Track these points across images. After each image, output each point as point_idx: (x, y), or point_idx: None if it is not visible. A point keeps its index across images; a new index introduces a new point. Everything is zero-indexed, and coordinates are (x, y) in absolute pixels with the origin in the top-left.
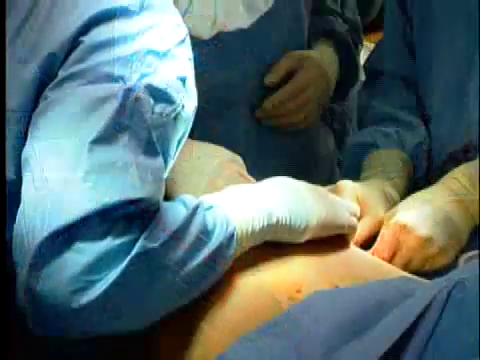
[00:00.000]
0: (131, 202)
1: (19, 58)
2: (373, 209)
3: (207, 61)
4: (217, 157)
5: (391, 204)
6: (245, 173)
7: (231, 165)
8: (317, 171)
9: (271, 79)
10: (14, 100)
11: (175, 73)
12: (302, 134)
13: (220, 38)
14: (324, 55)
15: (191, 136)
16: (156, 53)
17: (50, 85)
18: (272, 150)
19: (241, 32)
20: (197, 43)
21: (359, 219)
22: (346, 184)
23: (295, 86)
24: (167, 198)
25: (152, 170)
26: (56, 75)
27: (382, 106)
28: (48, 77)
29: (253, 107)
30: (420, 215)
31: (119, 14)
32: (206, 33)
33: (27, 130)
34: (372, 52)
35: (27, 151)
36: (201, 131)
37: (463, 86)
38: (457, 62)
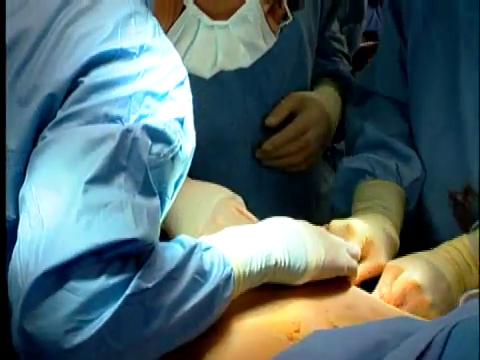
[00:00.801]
0: (125, 242)
1: (19, 100)
2: (378, 253)
3: (208, 100)
4: (217, 195)
5: (393, 249)
6: (245, 211)
7: (231, 203)
8: (318, 209)
9: (272, 120)
10: (14, 141)
11: (173, 114)
12: (303, 173)
13: (221, 77)
14: (327, 96)
15: (191, 175)
16: (155, 95)
17: (49, 125)
18: (273, 189)
19: (243, 72)
20: (198, 82)
21: (361, 260)
22: (356, 226)
23: (296, 128)
24: (166, 236)
25: (148, 210)
26: (55, 116)
27: (376, 132)
28: (47, 118)
29: (254, 147)
30: (430, 280)
31: (119, 56)
32: (207, 72)
33: (25, 171)
34: (364, 71)
35: (24, 190)
36: (202, 170)
37: (457, 118)
38: (451, 89)
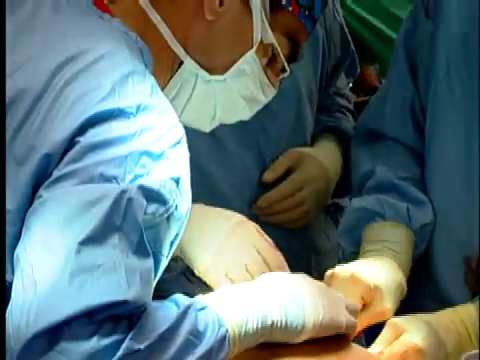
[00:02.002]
0: (117, 304)
1: (16, 160)
2: (383, 299)
3: (206, 157)
4: (233, 217)
5: (400, 294)
6: (262, 231)
7: (248, 223)
8: (318, 267)
9: (269, 176)
10: (11, 201)
11: (169, 174)
12: (302, 229)
13: (219, 134)
14: (326, 152)
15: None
16: (151, 154)
17: (44, 184)
18: None
19: (241, 128)
20: (196, 138)
21: (366, 306)
22: (361, 274)
23: (292, 184)
24: (179, 257)
25: (141, 271)
26: (51, 175)
27: (387, 174)
28: (43, 178)
29: (251, 203)
30: (432, 346)
31: (116, 115)
32: (207, 126)
33: (19, 229)
34: (368, 109)
35: (19, 250)
36: None
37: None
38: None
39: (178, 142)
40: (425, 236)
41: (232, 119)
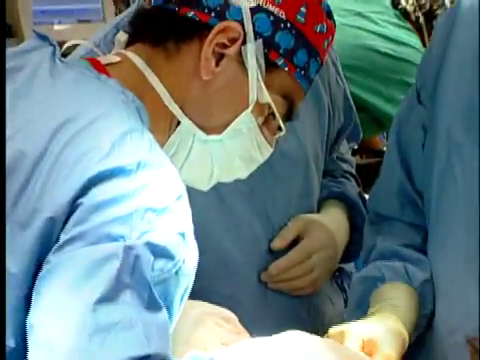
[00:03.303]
0: (139, 359)
1: (19, 223)
2: (381, 347)
3: (214, 223)
4: (195, 310)
5: (400, 343)
6: (225, 324)
7: (209, 317)
8: (323, 334)
9: (278, 244)
10: (15, 264)
11: (174, 229)
12: (309, 296)
13: (227, 201)
14: (333, 218)
15: (194, 297)
16: (154, 210)
17: (52, 249)
18: (278, 312)
19: (251, 193)
20: (203, 205)
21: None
22: (352, 330)
23: (301, 252)
24: None
25: (157, 326)
26: (56, 239)
27: (386, 243)
28: (47, 242)
29: (260, 270)
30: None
31: (116, 174)
32: (204, 185)
33: (27, 295)
34: (372, 193)
35: (31, 318)
36: (206, 293)
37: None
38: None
39: (180, 196)
40: (428, 293)
41: (229, 178)
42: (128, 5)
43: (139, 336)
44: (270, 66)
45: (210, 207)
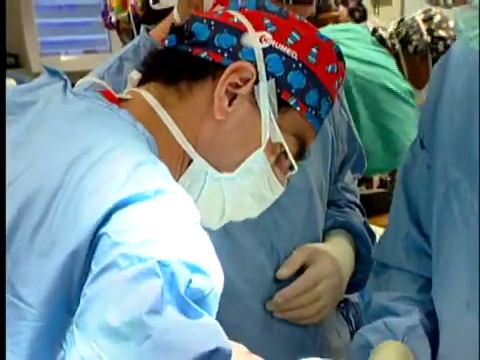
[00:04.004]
0: (211, 352)
1: (39, 252)
2: None
3: (219, 254)
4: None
5: None
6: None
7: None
8: None
9: (284, 273)
10: (33, 295)
11: (203, 247)
12: (314, 326)
13: (232, 231)
14: (338, 248)
15: None
16: (179, 231)
17: (87, 282)
18: (284, 342)
19: (254, 225)
20: (209, 232)
21: None
22: None
23: (307, 281)
24: None
25: (209, 325)
26: (81, 270)
27: (379, 301)
28: (70, 274)
29: (265, 300)
30: None
31: (135, 200)
32: (215, 224)
33: (46, 327)
34: (378, 244)
35: (83, 351)
36: None
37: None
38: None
39: (198, 222)
40: (416, 337)
41: (240, 217)
42: (132, 37)
43: (200, 335)
44: (282, 106)
45: (214, 236)
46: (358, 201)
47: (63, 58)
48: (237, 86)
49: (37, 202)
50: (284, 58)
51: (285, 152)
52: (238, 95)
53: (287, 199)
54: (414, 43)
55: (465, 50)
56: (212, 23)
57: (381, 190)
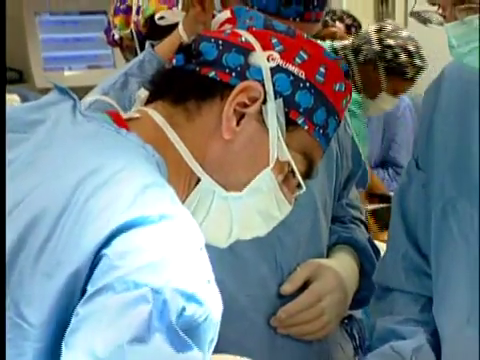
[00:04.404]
0: None
1: (44, 272)
2: None
3: (222, 269)
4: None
5: None
6: None
7: None
8: None
9: (288, 288)
10: (34, 315)
11: (201, 276)
12: (318, 342)
13: (235, 247)
14: (342, 263)
15: None
16: (179, 258)
17: (81, 301)
18: (287, 358)
19: (257, 241)
20: (211, 251)
21: None
22: None
23: (311, 296)
24: None
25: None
26: (81, 291)
27: (384, 323)
28: (71, 294)
29: (269, 315)
30: None
31: (139, 224)
32: (223, 242)
33: (46, 347)
34: (378, 268)
35: None
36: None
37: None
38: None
39: (202, 247)
40: (425, 355)
41: (248, 235)
42: (136, 54)
43: None
44: (290, 125)
45: (218, 251)
46: (363, 217)
47: (67, 73)
48: (245, 105)
49: (43, 222)
50: (292, 77)
51: (293, 171)
52: (246, 114)
53: (291, 215)
54: (364, 52)
55: (458, 69)
56: (220, 42)
57: (385, 205)
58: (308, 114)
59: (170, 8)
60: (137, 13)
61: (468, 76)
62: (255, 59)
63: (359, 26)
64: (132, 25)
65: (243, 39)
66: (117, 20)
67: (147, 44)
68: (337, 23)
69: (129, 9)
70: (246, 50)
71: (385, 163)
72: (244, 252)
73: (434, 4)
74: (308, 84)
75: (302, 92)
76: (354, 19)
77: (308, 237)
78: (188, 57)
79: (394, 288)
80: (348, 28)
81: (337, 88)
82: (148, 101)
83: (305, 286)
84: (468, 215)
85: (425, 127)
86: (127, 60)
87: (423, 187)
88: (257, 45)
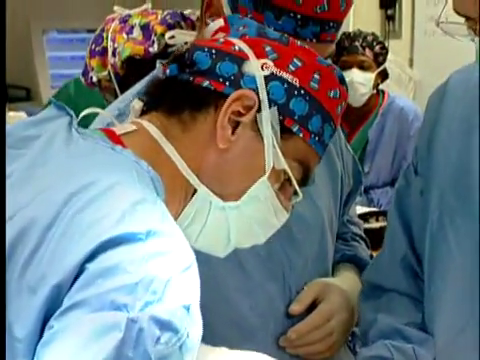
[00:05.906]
0: None
1: (29, 288)
2: None
3: (230, 287)
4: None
5: None
6: None
7: None
8: None
9: (296, 309)
10: (22, 330)
11: (180, 301)
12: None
13: (244, 264)
14: (348, 282)
15: None
16: (161, 281)
17: (55, 314)
18: None
19: (268, 258)
20: (219, 268)
21: None
22: None
23: (320, 316)
24: None
25: None
26: (62, 303)
27: (388, 321)
28: (54, 307)
29: (277, 335)
30: None
31: (126, 240)
32: (221, 252)
33: None
34: (372, 266)
35: None
36: None
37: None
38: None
39: (188, 267)
40: None
41: (247, 244)
42: (116, 95)
43: None
44: (285, 133)
45: (228, 271)
46: (363, 234)
47: None
48: (240, 114)
49: (30, 234)
50: (286, 85)
51: (289, 179)
52: (241, 123)
53: (299, 233)
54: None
55: (466, 81)
56: (213, 51)
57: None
58: (303, 121)
59: (146, 49)
60: (113, 55)
61: (474, 91)
62: (249, 67)
63: (387, 52)
64: (109, 67)
65: (236, 48)
66: (94, 62)
67: (158, 64)
68: (367, 51)
69: (105, 50)
70: (240, 59)
71: (394, 181)
72: (254, 272)
73: (465, 17)
74: (302, 91)
75: (297, 100)
76: (383, 46)
77: (315, 255)
78: (182, 67)
79: (390, 288)
80: (376, 57)
81: (332, 94)
82: (143, 112)
83: (312, 305)
84: (469, 229)
85: (427, 134)
86: (107, 101)
87: (421, 194)
88: (250, 53)
